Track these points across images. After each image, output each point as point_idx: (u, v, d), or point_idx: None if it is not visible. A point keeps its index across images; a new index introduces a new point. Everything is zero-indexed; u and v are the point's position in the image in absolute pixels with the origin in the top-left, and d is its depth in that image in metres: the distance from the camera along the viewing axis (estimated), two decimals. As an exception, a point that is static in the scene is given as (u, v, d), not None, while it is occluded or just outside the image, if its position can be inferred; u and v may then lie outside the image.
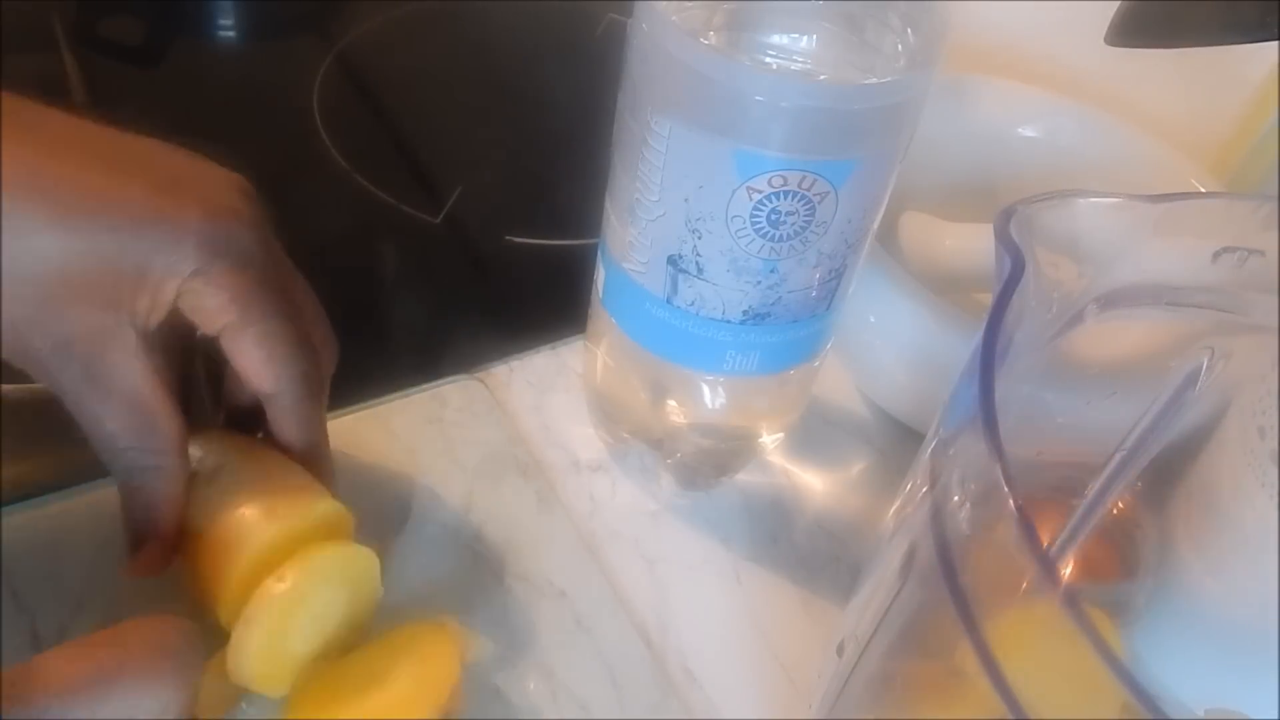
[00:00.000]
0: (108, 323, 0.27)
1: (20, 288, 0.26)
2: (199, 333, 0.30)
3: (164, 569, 0.29)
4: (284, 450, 0.31)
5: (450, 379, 0.41)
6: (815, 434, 0.42)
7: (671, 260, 0.31)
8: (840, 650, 0.26)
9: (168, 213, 0.28)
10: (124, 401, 0.28)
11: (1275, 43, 0.33)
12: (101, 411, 0.28)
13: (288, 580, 0.27)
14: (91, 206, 0.27)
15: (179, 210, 0.28)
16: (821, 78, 0.28)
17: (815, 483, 0.41)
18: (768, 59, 0.28)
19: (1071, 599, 0.16)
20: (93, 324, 0.27)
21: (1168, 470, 0.28)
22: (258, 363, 0.30)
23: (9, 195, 0.26)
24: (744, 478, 0.40)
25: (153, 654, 0.24)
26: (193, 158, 0.31)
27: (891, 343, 0.39)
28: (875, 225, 0.33)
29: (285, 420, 0.31)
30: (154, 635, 0.24)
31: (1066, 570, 0.29)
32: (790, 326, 0.33)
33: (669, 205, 0.30)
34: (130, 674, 0.23)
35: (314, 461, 0.32)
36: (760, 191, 0.29)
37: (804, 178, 0.28)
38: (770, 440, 0.40)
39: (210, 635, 0.26)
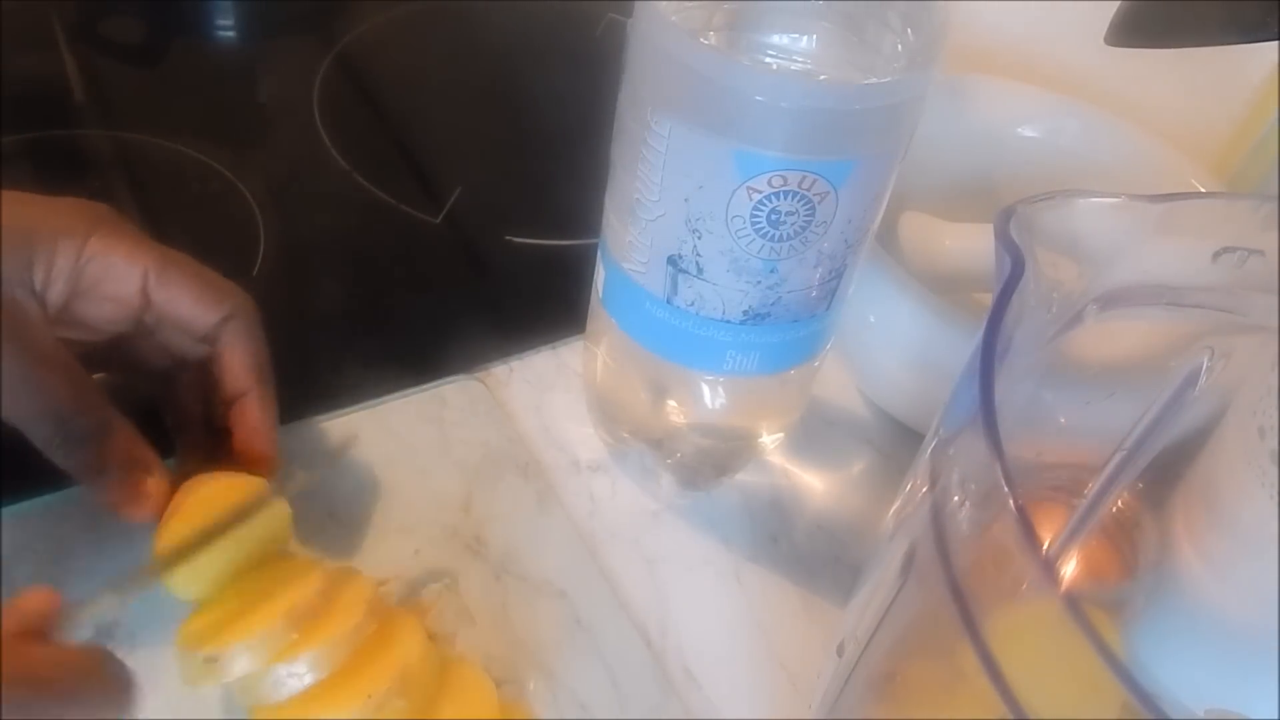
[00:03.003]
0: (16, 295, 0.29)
1: None
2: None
3: (164, 506, 0.30)
4: (231, 382, 0.33)
5: (450, 379, 0.41)
6: (815, 434, 0.42)
7: (671, 260, 0.31)
8: (840, 650, 0.26)
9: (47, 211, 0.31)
10: (56, 368, 0.29)
11: (1275, 43, 0.33)
12: (39, 382, 0.29)
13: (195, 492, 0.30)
14: None
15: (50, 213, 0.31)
16: (821, 78, 0.28)
17: (815, 483, 0.41)
18: (768, 59, 0.28)
19: (1071, 599, 0.16)
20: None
21: (1168, 470, 0.28)
22: (196, 290, 0.32)
23: None
24: (744, 478, 0.40)
25: (89, 687, 0.24)
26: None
27: (891, 343, 0.39)
28: (875, 225, 0.33)
29: (235, 336, 0.33)
30: (90, 667, 0.25)
31: (1066, 570, 0.29)
32: (790, 326, 0.33)
33: (669, 205, 0.30)
34: (68, 708, 0.24)
35: (263, 379, 0.34)
36: (760, 191, 0.29)
37: (804, 178, 0.28)
38: (770, 440, 0.40)
39: None
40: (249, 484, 0.31)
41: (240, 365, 0.33)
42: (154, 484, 0.30)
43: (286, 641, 0.28)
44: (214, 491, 0.30)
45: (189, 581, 0.29)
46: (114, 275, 0.31)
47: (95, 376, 0.32)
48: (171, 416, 0.35)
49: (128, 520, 0.30)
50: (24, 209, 0.31)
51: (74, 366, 0.30)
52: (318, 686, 0.28)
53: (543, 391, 0.42)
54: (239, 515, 0.30)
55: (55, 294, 0.31)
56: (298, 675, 0.27)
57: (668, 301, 0.32)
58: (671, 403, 0.36)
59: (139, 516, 0.30)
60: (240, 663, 0.27)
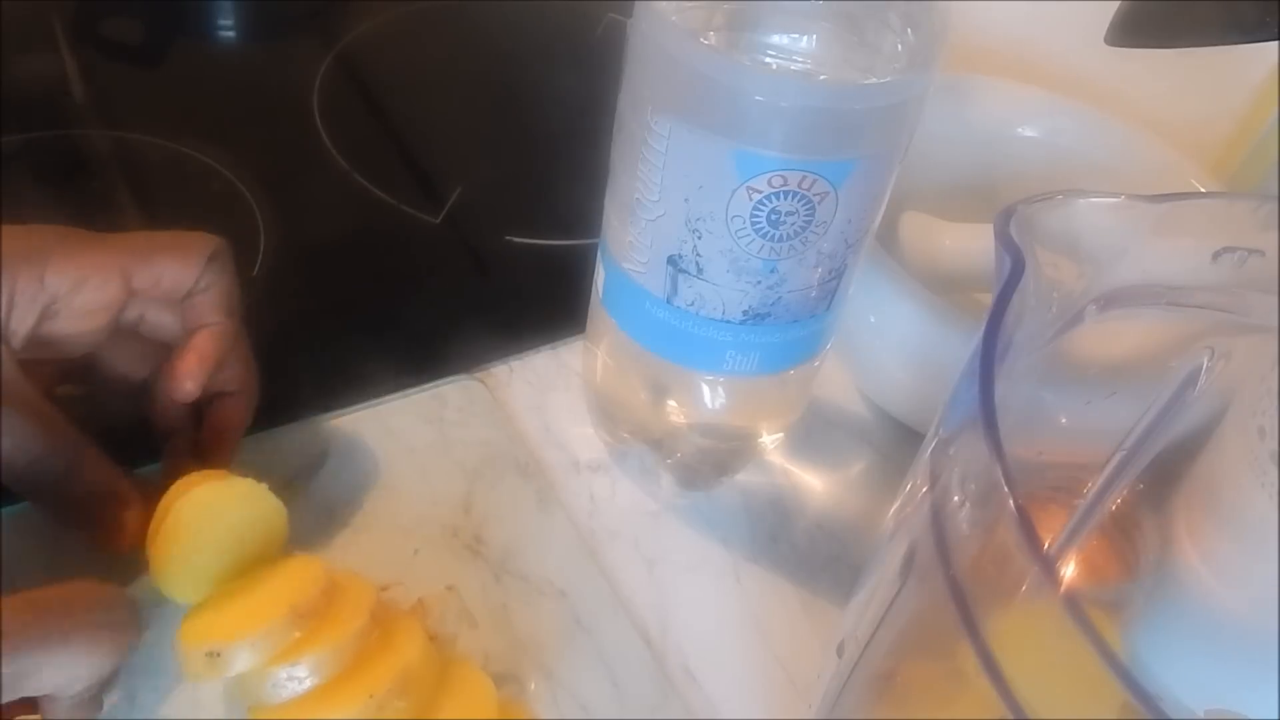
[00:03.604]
0: None
1: None
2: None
3: (143, 536, 0.30)
4: (217, 430, 0.34)
5: (450, 379, 0.41)
6: (815, 434, 0.42)
7: (671, 260, 0.31)
8: (840, 650, 0.26)
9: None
10: (21, 407, 0.29)
11: (1275, 43, 0.33)
12: (4, 423, 0.29)
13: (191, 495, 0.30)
14: None
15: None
16: (821, 78, 0.28)
17: (815, 483, 0.41)
18: (768, 59, 0.28)
19: (1071, 599, 0.16)
20: None
21: (1168, 470, 0.28)
22: (166, 248, 0.32)
23: None
24: (744, 478, 0.40)
25: (97, 621, 0.26)
26: None
27: (891, 343, 0.39)
28: (875, 225, 0.33)
29: (209, 281, 0.33)
30: (99, 603, 0.26)
31: (1066, 570, 0.29)
32: (790, 326, 0.33)
33: (669, 205, 0.30)
34: (76, 639, 0.25)
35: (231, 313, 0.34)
36: (760, 191, 0.29)
37: (804, 178, 0.28)
38: (770, 440, 0.40)
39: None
40: (243, 485, 0.31)
41: (214, 302, 0.33)
42: (130, 517, 0.30)
43: (289, 639, 0.28)
44: (207, 495, 0.30)
45: (188, 586, 0.29)
46: (88, 287, 0.31)
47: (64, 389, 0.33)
48: (157, 420, 0.34)
49: (107, 553, 0.30)
50: None
51: (40, 404, 0.30)
52: (318, 689, 0.28)
53: (543, 391, 0.42)
54: (235, 518, 0.30)
55: (19, 321, 0.30)
56: (298, 679, 0.27)
57: (668, 301, 0.32)
58: (671, 403, 0.36)
59: (117, 550, 0.30)
60: (242, 658, 0.27)
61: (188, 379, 0.32)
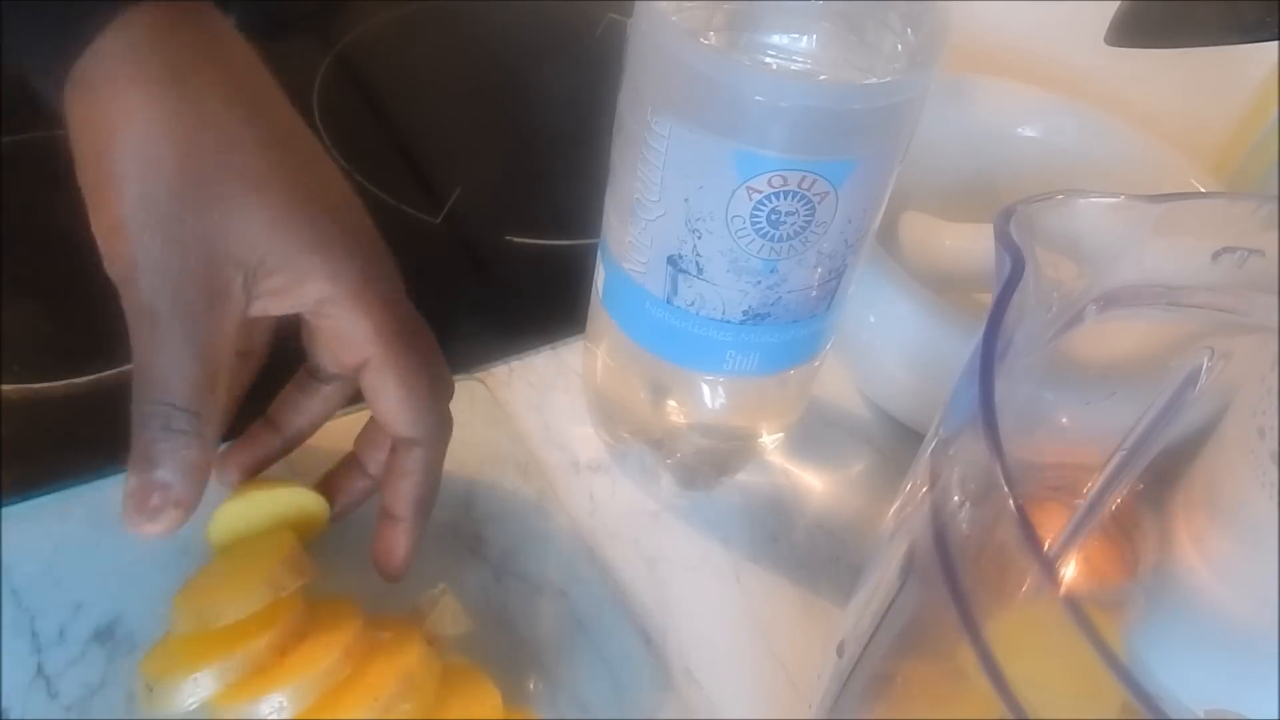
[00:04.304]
0: (235, 280, 0.27)
1: (221, 189, 0.26)
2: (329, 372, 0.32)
3: (174, 530, 0.28)
4: (390, 502, 0.32)
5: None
6: (815, 434, 0.42)
7: (671, 260, 0.31)
8: (840, 650, 0.26)
9: (334, 230, 0.29)
10: (205, 364, 0.27)
11: (1275, 43, 0.33)
12: (179, 363, 0.26)
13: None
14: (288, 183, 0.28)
15: (343, 234, 0.29)
16: (821, 78, 0.28)
17: (815, 483, 0.41)
18: (768, 59, 0.28)
19: (1072, 599, 0.16)
20: (225, 272, 0.27)
21: (1168, 470, 0.28)
22: (399, 402, 0.30)
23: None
24: (744, 478, 0.40)
25: None
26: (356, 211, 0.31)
27: (891, 343, 0.39)
28: (875, 225, 0.33)
29: (414, 465, 0.31)
30: None
31: (1067, 570, 0.29)
32: (790, 326, 0.33)
33: (669, 205, 0.30)
34: None
35: (421, 514, 0.32)
36: (760, 191, 0.29)
37: (804, 178, 0.28)
38: (770, 440, 0.40)
39: None
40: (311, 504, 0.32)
41: (405, 494, 0.31)
42: (174, 516, 0.28)
43: (233, 680, 0.27)
44: (276, 508, 0.32)
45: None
46: (331, 337, 0.30)
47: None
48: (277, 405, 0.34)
49: (127, 526, 0.28)
50: (322, 225, 0.28)
51: (223, 365, 0.28)
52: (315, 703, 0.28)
53: (543, 392, 0.42)
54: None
55: (258, 308, 0.28)
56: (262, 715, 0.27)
57: (668, 301, 0.32)
58: (671, 403, 0.36)
59: (141, 531, 0.28)
60: (178, 696, 0.27)
61: (399, 567, 0.32)
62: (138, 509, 0.27)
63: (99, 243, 0.26)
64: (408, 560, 0.32)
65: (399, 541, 0.32)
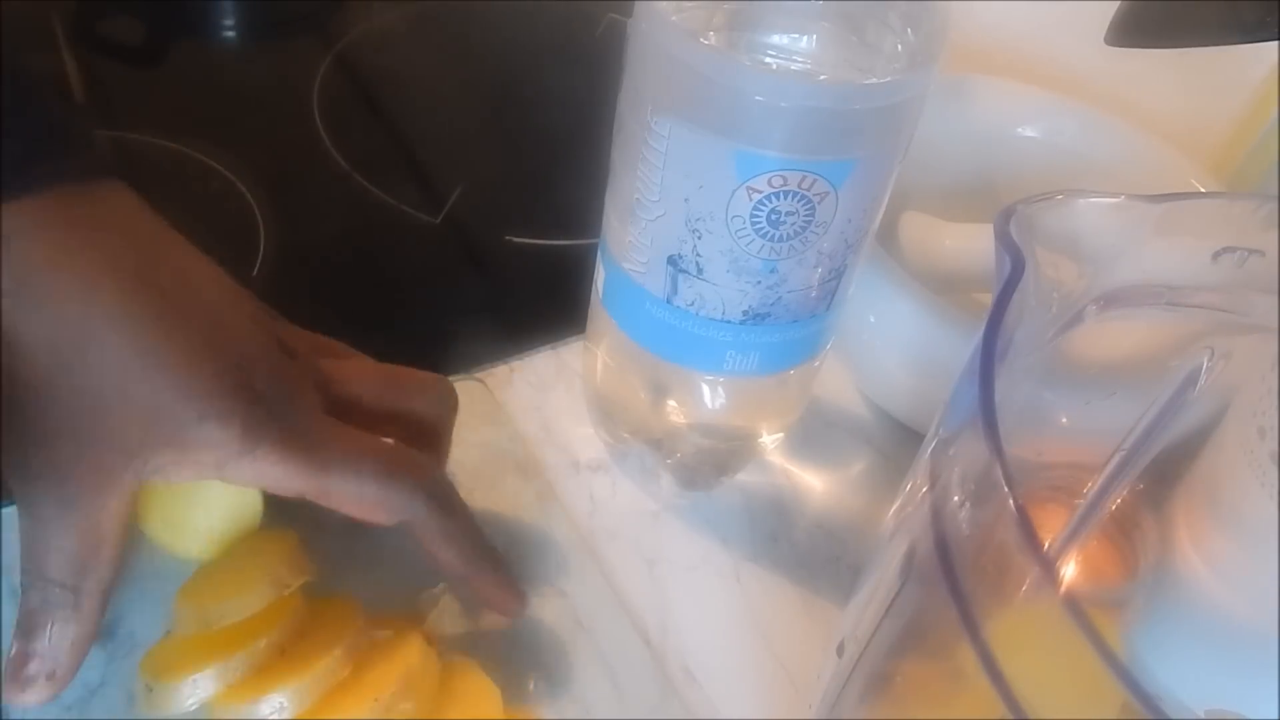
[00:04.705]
0: (118, 465, 0.26)
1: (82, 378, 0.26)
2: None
3: (47, 700, 0.28)
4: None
5: (450, 379, 0.41)
6: (815, 434, 0.42)
7: (671, 260, 0.31)
8: (840, 650, 0.26)
9: (211, 384, 0.27)
10: (83, 540, 0.26)
11: (1275, 43, 0.33)
12: (56, 540, 0.26)
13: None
14: (184, 353, 0.27)
15: (221, 384, 0.27)
16: (821, 78, 0.28)
17: (815, 483, 0.41)
18: (768, 59, 0.28)
19: (1071, 599, 0.16)
20: (107, 460, 0.26)
21: (1168, 470, 0.28)
22: (366, 512, 0.29)
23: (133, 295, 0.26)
24: (744, 478, 0.40)
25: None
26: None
27: (891, 343, 0.39)
28: (875, 225, 0.32)
29: (428, 538, 0.30)
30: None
31: (1066, 570, 0.29)
32: (790, 326, 0.33)
33: (669, 205, 0.30)
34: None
35: (477, 563, 0.32)
36: (760, 191, 0.29)
37: (804, 178, 0.28)
38: (770, 440, 0.40)
39: None
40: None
41: (449, 565, 0.31)
42: (46, 689, 0.27)
43: (233, 681, 0.27)
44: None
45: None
46: (257, 480, 0.29)
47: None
48: None
49: (4, 694, 0.27)
50: (199, 388, 0.27)
51: (110, 538, 0.27)
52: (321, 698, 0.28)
53: (543, 392, 0.42)
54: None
55: (160, 478, 0.27)
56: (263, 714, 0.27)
57: (668, 301, 0.32)
58: (671, 403, 0.36)
59: (15, 700, 0.27)
60: (177, 697, 0.27)
61: (514, 608, 0.32)
62: (12, 676, 0.27)
63: None
64: (511, 600, 0.32)
65: (485, 594, 0.32)
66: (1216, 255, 0.24)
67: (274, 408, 0.28)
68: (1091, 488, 0.28)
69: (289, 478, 0.28)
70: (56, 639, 0.27)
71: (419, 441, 0.32)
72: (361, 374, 0.33)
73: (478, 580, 0.32)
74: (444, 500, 0.30)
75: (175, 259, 0.29)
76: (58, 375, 0.26)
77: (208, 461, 0.27)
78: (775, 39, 0.28)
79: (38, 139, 0.26)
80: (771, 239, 0.30)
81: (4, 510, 0.33)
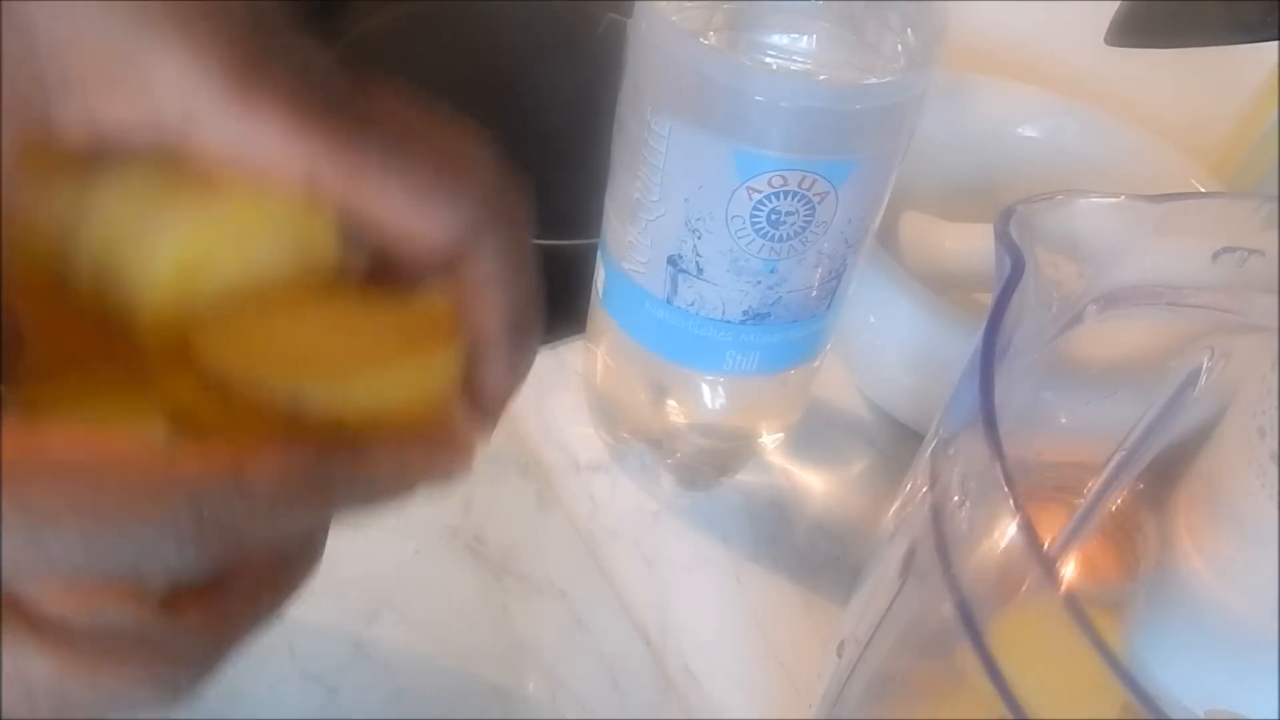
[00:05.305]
0: (12, 100, 0.17)
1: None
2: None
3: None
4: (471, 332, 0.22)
5: (450, 379, 0.41)
6: (815, 434, 0.42)
7: (671, 260, 0.31)
8: (840, 650, 0.26)
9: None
10: None
11: (1275, 43, 0.33)
12: None
13: None
14: None
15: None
16: (821, 78, 0.28)
17: (815, 483, 0.41)
18: (768, 59, 0.28)
19: (1072, 599, 0.16)
20: None
21: (1168, 470, 0.28)
22: (407, 204, 0.21)
23: None
24: (744, 478, 0.40)
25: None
26: None
27: (891, 343, 0.39)
28: (875, 225, 0.33)
29: (482, 275, 0.23)
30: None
31: (1066, 570, 0.29)
32: (790, 326, 0.33)
33: (669, 205, 0.30)
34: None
35: (513, 336, 0.23)
36: (760, 191, 0.29)
37: (804, 178, 0.28)
38: (770, 440, 0.40)
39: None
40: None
41: (482, 309, 0.22)
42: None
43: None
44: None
45: None
46: (249, 151, 0.18)
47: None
48: None
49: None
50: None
51: None
52: None
53: (543, 391, 0.42)
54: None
55: (89, 125, 0.18)
56: None
57: (668, 301, 0.32)
58: (671, 403, 0.36)
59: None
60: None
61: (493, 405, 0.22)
62: None
63: None
64: (499, 395, 0.24)
65: (487, 370, 0.23)
66: (1216, 255, 0.24)
67: (281, 43, 0.19)
68: (1091, 488, 0.28)
69: (304, 152, 0.18)
70: None
71: None
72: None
73: (498, 354, 0.23)
74: (515, 218, 0.23)
75: None
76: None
77: (168, 108, 0.17)
78: (775, 39, 0.28)
79: None
80: (771, 239, 0.30)
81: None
